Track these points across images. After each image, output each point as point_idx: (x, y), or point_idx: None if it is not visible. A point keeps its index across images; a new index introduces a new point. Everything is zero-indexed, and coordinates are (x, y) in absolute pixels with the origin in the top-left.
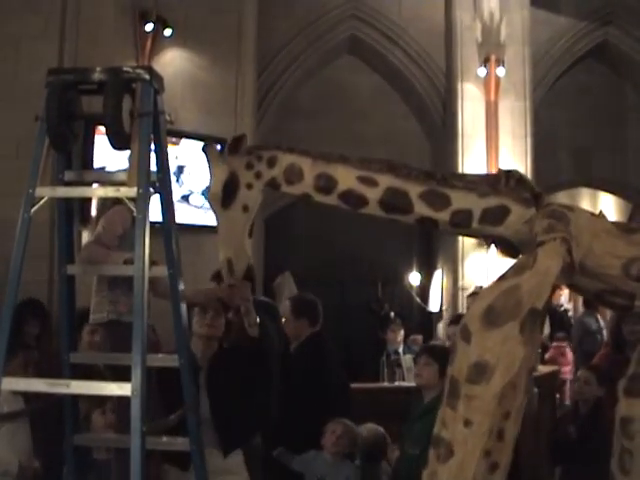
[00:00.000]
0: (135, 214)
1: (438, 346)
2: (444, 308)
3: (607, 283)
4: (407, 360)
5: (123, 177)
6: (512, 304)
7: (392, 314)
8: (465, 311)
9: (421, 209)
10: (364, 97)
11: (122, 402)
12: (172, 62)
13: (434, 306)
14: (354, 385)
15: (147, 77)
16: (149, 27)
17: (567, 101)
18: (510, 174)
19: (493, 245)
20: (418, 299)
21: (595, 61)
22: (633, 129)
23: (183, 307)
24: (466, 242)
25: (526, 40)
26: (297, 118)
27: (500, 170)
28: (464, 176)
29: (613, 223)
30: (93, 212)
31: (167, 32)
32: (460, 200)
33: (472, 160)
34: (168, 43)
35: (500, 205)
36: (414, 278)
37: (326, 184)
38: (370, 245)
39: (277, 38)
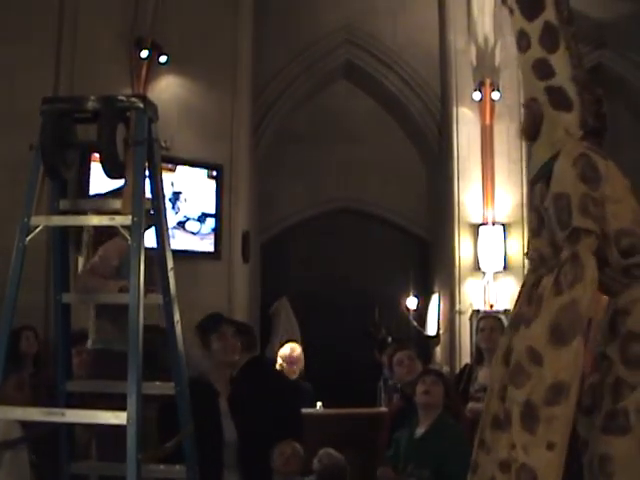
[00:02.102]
0: (130, 242)
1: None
2: (441, 332)
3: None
4: None
5: (118, 205)
6: (575, 319)
7: (389, 338)
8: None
9: (534, 31)
10: (359, 122)
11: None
12: (167, 88)
13: (431, 330)
14: (351, 410)
15: (141, 106)
16: (144, 54)
17: None
18: (597, 93)
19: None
20: (415, 323)
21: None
22: (627, 152)
23: (179, 334)
24: (463, 266)
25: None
26: (293, 143)
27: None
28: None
29: None
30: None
31: (162, 59)
32: (560, 61)
33: (468, 183)
34: (164, 70)
35: (570, 99)
36: (411, 302)
37: None
38: (367, 269)
39: (272, 63)
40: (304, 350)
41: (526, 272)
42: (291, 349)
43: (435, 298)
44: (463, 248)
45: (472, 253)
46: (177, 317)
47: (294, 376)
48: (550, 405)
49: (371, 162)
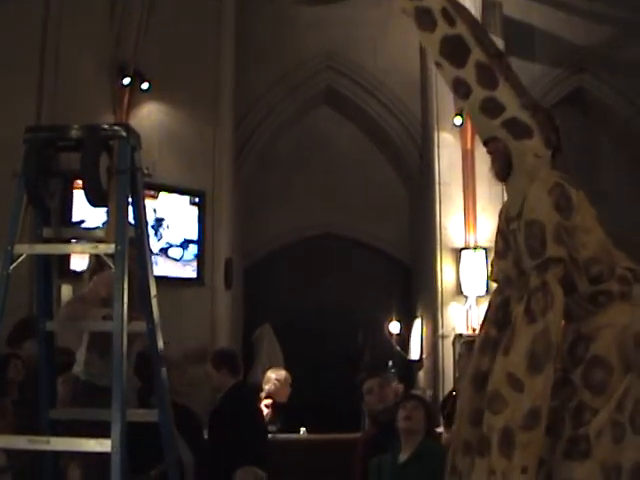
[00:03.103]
0: (113, 270)
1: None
2: (424, 356)
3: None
4: None
5: (101, 234)
6: (547, 346)
7: (388, 370)
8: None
9: (469, 74)
10: (342, 147)
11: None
12: (149, 115)
13: (414, 354)
14: (335, 436)
15: (124, 134)
16: (127, 81)
17: None
18: (546, 110)
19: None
20: (398, 347)
21: (570, 108)
22: (609, 177)
23: (162, 362)
24: (445, 291)
25: None
26: (275, 169)
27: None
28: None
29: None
30: (73, 266)
31: (144, 86)
32: (504, 94)
33: (450, 208)
34: (146, 96)
35: (528, 125)
36: (394, 327)
37: None
38: (350, 294)
39: (254, 89)
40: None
41: (491, 294)
42: (285, 372)
43: (418, 322)
44: (445, 272)
45: (454, 277)
46: (161, 344)
47: (285, 400)
48: (527, 430)
49: (354, 187)
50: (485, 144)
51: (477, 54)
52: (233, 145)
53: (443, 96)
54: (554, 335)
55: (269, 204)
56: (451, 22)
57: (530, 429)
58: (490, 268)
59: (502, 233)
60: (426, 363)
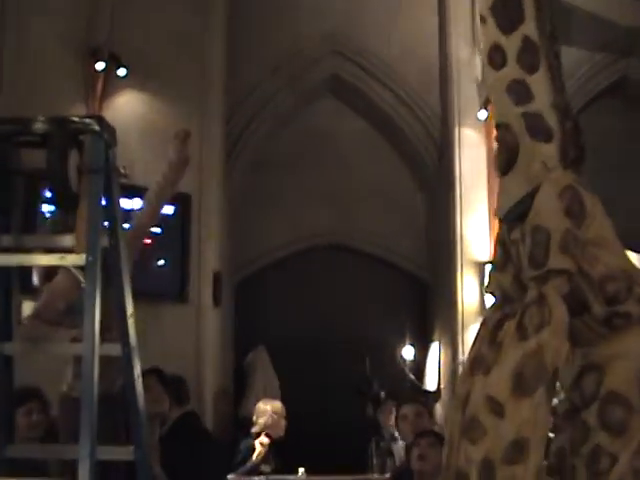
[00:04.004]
0: (84, 285)
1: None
2: (442, 386)
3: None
4: (399, 448)
5: (70, 242)
6: (539, 368)
7: (382, 393)
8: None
9: (511, 46)
10: (348, 145)
11: None
12: (127, 106)
13: (431, 384)
14: (339, 477)
15: (97, 128)
16: (100, 66)
17: None
18: (576, 122)
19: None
20: (412, 376)
21: (612, 100)
22: None
23: (139, 391)
24: (466, 310)
25: None
26: (271, 170)
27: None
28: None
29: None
30: (35, 279)
31: (121, 72)
32: (539, 83)
33: (472, 215)
34: (122, 84)
35: (550, 128)
36: (407, 352)
37: None
38: (357, 314)
39: (247, 78)
40: (284, 406)
41: (487, 309)
42: (279, 403)
43: (435, 347)
44: (467, 289)
45: (477, 295)
46: (138, 371)
47: (281, 435)
48: (509, 464)
49: (361, 191)
50: (496, 127)
51: (529, 27)
52: (223, 142)
53: (466, 87)
54: (550, 356)
55: (264, 210)
56: None
57: (513, 463)
58: (488, 280)
59: (502, 241)
60: (444, 394)
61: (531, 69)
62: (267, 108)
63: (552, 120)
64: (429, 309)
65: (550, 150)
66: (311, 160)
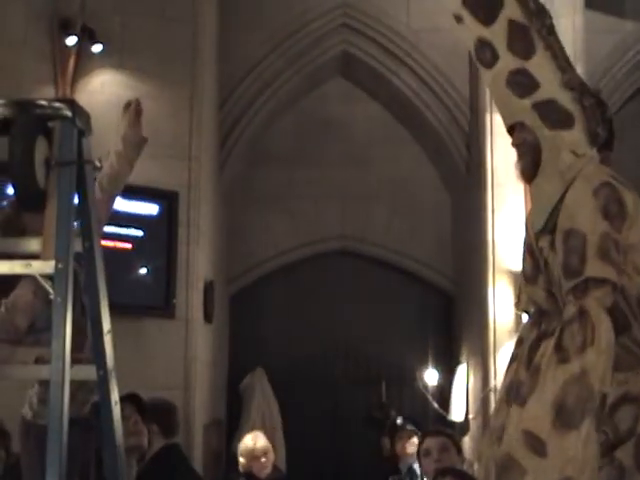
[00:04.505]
0: (52, 297)
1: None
2: (471, 416)
3: None
4: None
5: (36, 247)
6: (584, 396)
7: (399, 420)
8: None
9: (497, 35)
10: (361, 135)
11: None
12: (103, 88)
13: (457, 414)
14: None
15: (69, 114)
16: (71, 40)
17: (636, 135)
18: (596, 95)
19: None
20: (436, 404)
21: None
22: None
23: (117, 419)
24: (499, 328)
25: (578, 55)
26: (271, 163)
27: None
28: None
29: None
30: None
31: (96, 48)
32: (541, 67)
33: (506, 216)
34: (97, 62)
35: (568, 111)
36: (430, 376)
37: None
38: (371, 331)
39: (244, 57)
40: (286, 438)
41: (522, 326)
42: (253, 439)
43: (462, 370)
44: (499, 302)
45: (512, 309)
46: (116, 397)
47: (266, 472)
48: None
49: (377, 189)
50: (510, 132)
51: (511, 9)
52: (216, 131)
53: None
54: (596, 382)
55: (263, 210)
56: None
57: None
58: (517, 296)
59: (530, 251)
60: (473, 425)
61: (527, 54)
62: (267, 91)
63: (567, 101)
64: (455, 326)
65: (575, 135)
66: (317, 152)
